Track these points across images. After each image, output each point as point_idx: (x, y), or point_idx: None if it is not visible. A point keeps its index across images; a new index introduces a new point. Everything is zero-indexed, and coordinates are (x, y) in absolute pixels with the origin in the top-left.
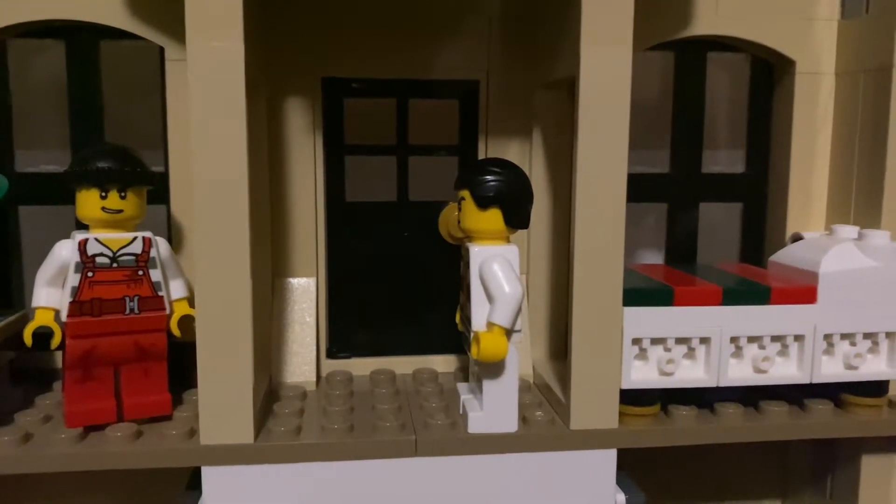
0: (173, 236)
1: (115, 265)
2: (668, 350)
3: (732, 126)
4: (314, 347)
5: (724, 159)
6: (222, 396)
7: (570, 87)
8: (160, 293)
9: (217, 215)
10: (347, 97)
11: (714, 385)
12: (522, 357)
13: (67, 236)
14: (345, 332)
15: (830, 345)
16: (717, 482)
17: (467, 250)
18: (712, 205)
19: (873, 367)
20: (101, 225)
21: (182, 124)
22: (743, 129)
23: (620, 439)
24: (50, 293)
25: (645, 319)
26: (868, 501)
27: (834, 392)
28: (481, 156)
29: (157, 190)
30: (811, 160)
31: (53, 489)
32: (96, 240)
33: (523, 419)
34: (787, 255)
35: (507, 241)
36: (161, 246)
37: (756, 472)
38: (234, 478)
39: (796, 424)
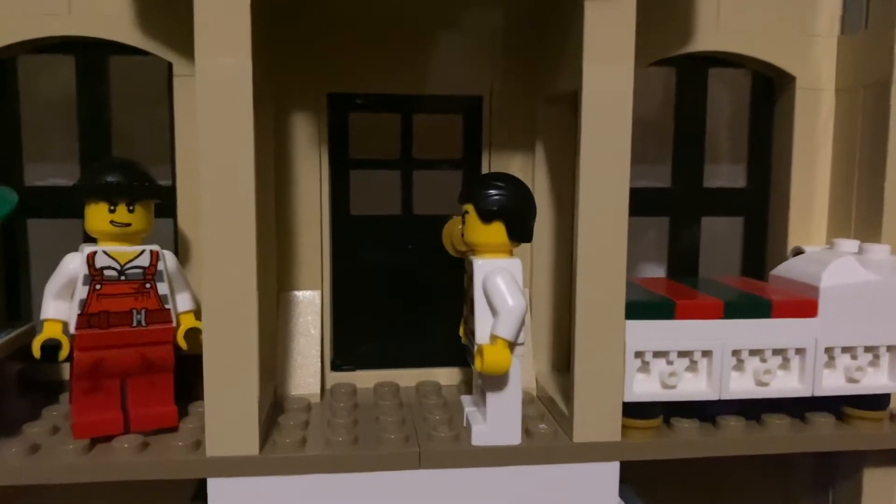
0: (180, 250)
1: (122, 278)
2: (670, 363)
3: (733, 141)
4: (319, 360)
5: (725, 174)
6: (228, 408)
7: (572, 102)
8: (167, 306)
9: (224, 229)
10: (352, 112)
11: (716, 398)
12: (525, 370)
13: (75, 249)
14: (349, 345)
15: (831, 358)
16: (718, 495)
17: (471, 263)
18: (714, 219)
19: (874, 381)
20: (110, 238)
21: (189, 139)
22: (744, 144)
23: (623, 452)
24: (58, 305)
25: (647, 333)
26: None
27: (835, 405)
28: (484, 170)
29: (165, 203)
30: (812, 175)
31: (60, 500)
32: (104, 253)
33: (526, 432)
34: (788, 269)
35: (511, 254)
36: (168, 259)
37: (758, 485)
38: (239, 489)
39: (798, 437)
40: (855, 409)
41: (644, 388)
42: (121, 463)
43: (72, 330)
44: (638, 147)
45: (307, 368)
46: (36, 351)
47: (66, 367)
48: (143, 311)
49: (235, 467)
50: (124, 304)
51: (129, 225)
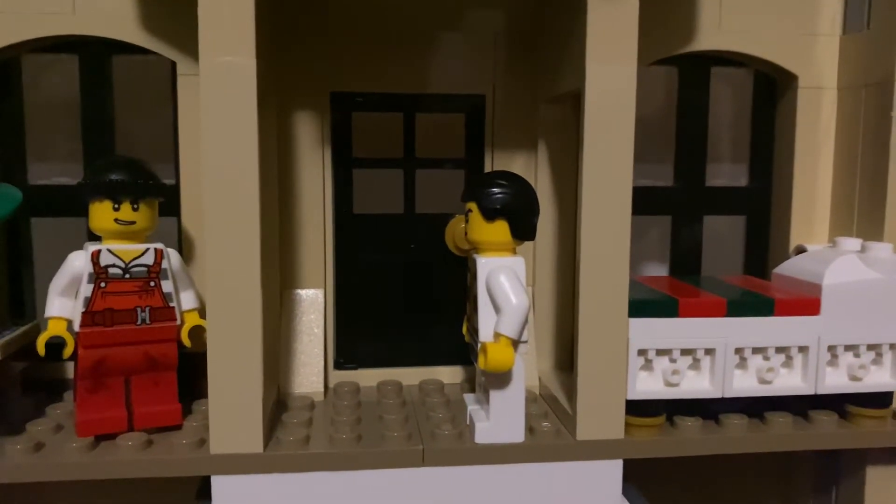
0: (184, 248)
1: (127, 276)
2: (673, 361)
3: (736, 140)
4: (322, 358)
5: (727, 172)
6: (232, 406)
7: (574, 102)
8: (171, 304)
9: (227, 227)
10: (355, 111)
11: (719, 396)
12: (529, 368)
13: (79, 248)
14: (352, 343)
15: (834, 356)
16: (721, 493)
17: (474, 262)
18: (716, 217)
19: (877, 379)
20: (114, 236)
21: (193, 138)
22: (746, 143)
23: (626, 450)
24: (63, 303)
25: (650, 330)
26: None
27: (838, 403)
28: (487, 169)
29: (169, 202)
30: (814, 173)
31: (64, 498)
32: (109, 251)
33: (530, 429)
34: (790, 268)
35: (514, 252)
36: (172, 257)
37: (761, 483)
38: (243, 487)
39: (801, 435)
40: (858, 407)
41: (647, 385)
42: (125, 461)
43: (76, 328)
44: (640, 146)
45: (310, 367)
46: (40, 349)
47: (71, 365)
48: (147, 309)
49: (239, 465)
50: (129, 302)
51: (133, 223)
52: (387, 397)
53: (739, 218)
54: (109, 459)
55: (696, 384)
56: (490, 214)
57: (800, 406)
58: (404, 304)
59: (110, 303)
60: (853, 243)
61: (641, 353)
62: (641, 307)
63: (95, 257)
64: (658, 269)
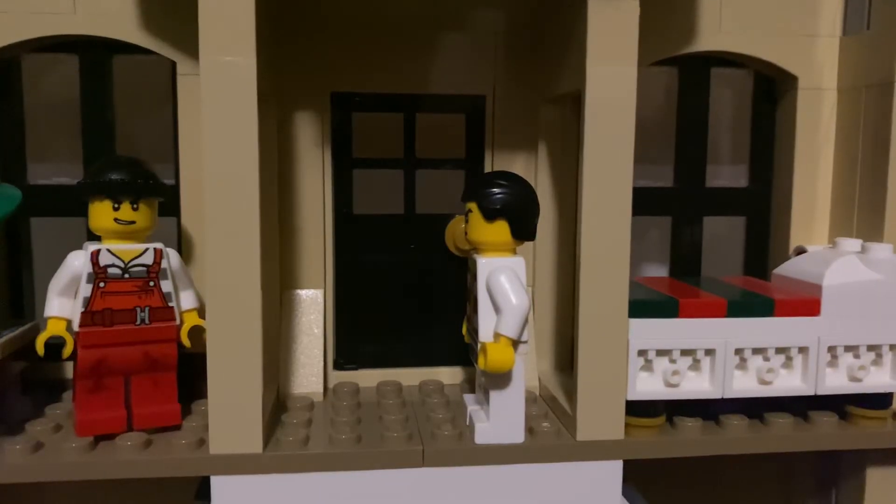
0: (184, 248)
1: (126, 276)
2: (673, 362)
3: (736, 141)
4: (322, 359)
5: (727, 174)
6: (232, 406)
7: (574, 102)
8: (170, 304)
9: (227, 227)
10: (356, 111)
11: (719, 397)
12: (529, 369)
13: (79, 248)
14: (352, 344)
15: (834, 357)
16: (721, 494)
17: (474, 262)
18: (716, 218)
19: (877, 380)
20: (114, 236)
21: (193, 138)
22: (746, 144)
23: (626, 450)
24: (62, 303)
25: (650, 331)
26: None
27: (838, 404)
28: (487, 169)
29: (168, 202)
30: (814, 174)
31: (63, 498)
32: (108, 251)
33: (530, 430)
34: (790, 268)
35: (514, 253)
36: (172, 257)
37: (761, 484)
38: (242, 487)
39: (801, 436)
40: (858, 407)
41: (647, 386)
42: (124, 461)
43: (75, 327)
44: (640, 147)
45: (310, 367)
46: (39, 348)
47: (70, 366)
48: (146, 309)
49: (239, 465)
50: (128, 302)
51: (132, 223)
52: (386, 398)
53: (739, 219)
54: (109, 459)
55: (697, 385)
56: (490, 215)
57: (800, 407)
58: (404, 304)
59: (109, 303)
60: (853, 244)
61: (641, 353)
62: (641, 308)
63: (95, 257)
64: (658, 270)
